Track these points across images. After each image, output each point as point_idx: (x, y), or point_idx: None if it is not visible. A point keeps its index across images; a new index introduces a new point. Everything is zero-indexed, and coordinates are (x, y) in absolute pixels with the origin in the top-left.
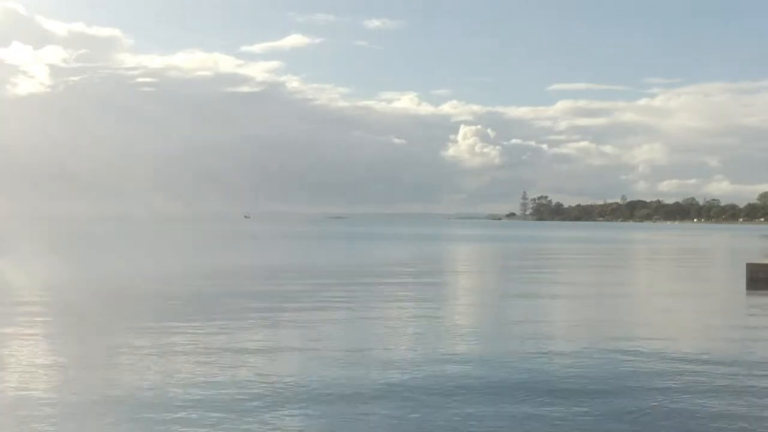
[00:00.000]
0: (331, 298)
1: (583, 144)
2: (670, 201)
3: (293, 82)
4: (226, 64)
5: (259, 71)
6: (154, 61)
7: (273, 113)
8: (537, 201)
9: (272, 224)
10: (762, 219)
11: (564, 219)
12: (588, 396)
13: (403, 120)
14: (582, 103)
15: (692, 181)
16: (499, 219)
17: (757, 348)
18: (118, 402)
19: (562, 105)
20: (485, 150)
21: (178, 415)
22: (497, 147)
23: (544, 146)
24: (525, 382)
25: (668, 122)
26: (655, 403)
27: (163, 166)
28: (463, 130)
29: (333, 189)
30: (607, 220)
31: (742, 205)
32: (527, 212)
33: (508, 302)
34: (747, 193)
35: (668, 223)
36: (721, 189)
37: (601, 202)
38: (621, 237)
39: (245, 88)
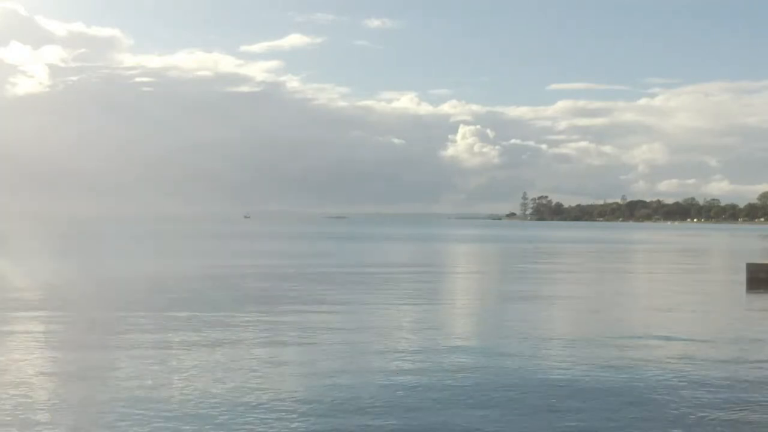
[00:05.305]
0: (330, 299)
1: (583, 144)
2: (669, 201)
3: (293, 82)
4: (225, 63)
5: (258, 71)
6: (154, 60)
7: (273, 113)
8: (537, 201)
9: (272, 224)
10: (762, 219)
11: (564, 219)
12: (587, 396)
13: (403, 120)
14: (582, 103)
15: (692, 181)
16: (499, 219)
17: (757, 348)
18: (113, 408)
19: (561, 105)
20: (485, 150)
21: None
22: (497, 147)
23: (544, 146)
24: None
25: (668, 122)
26: (652, 404)
27: (163, 166)
28: (463, 130)
29: (333, 189)
30: (607, 220)
31: (742, 205)
32: (527, 212)
33: (509, 305)
34: (747, 193)
35: (668, 223)
36: (721, 189)
37: (601, 202)
38: (621, 237)
39: (245, 88)
